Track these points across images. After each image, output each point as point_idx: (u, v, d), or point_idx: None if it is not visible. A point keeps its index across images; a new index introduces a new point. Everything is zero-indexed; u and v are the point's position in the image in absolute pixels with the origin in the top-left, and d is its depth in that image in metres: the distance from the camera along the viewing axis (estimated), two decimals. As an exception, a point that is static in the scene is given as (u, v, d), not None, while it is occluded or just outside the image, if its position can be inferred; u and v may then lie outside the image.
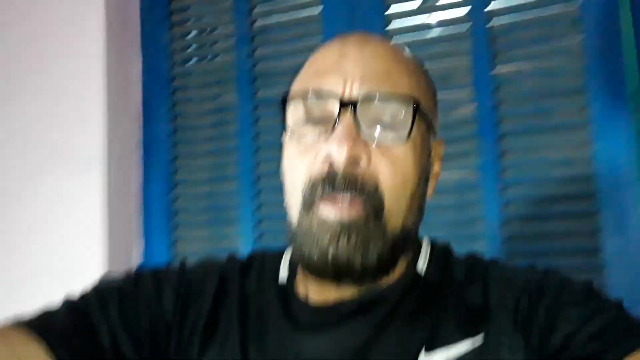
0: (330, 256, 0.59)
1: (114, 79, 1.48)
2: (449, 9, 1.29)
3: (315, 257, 0.60)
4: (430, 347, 0.61)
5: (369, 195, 0.60)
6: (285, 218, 1.37)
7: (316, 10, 1.41)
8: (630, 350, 0.52)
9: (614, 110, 1.12)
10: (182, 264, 0.75)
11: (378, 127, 0.62)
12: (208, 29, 1.56)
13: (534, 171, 1.19)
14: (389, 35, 1.32)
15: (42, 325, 0.62)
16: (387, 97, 0.62)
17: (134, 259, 1.49)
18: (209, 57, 1.55)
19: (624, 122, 1.12)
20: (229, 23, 1.50)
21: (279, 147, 1.37)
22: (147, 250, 1.49)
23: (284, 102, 0.66)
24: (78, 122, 1.44)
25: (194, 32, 1.57)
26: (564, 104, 1.18)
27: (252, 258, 0.77)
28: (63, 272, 1.37)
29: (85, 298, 0.68)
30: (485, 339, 0.61)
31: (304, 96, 0.64)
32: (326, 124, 0.62)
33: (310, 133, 0.64)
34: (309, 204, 0.61)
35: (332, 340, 0.63)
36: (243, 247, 1.39)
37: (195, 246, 1.47)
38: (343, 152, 0.59)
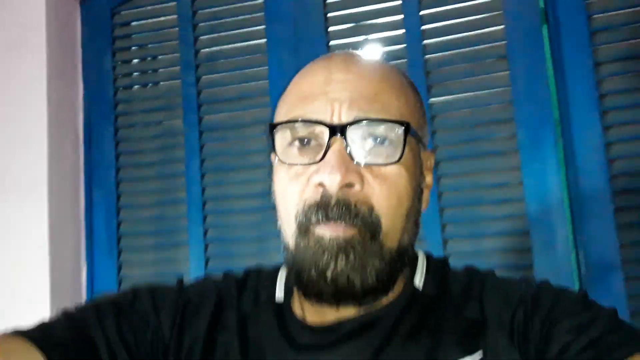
0: (329, 276, 0.59)
1: (55, 103, 1.47)
2: (387, 46, 1.37)
3: (315, 278, 0.59)
4: None
5: (363, 219, 0.59)
6: (231, 241, 1.40)
7: (261, 40, 1.46)
8: (626, 357, 0.52)
9: (540, 138, 1.22)
10: (180, 282, 0.73)
11: (369, 150, 0.61)
12: (152, 56, 1.58)
13: (469, 194, 1.27)
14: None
15: (41, 336, 0.60)
16: (376, 121, 0.61)
17: (79, 284, 1.46)
18: (154, 83, 1.57)
19: (549, 148, 1.22)
20: (175, 51, 1.52)
21: (225, 171, 1.41)
22: (93, 275, 1.47)
23: (272, 128, 0.64)
24: (20, 147, 1.42)
25: (138, 59, 1.58)
26: (494, 132, 1.28)
27: (247, 275, 0.75)
28: (7, 299, 1.33)
29: (82, 311, 0.66)
30: (484, 355, 0.60)
31: (291, 123, 0.63)
32: (316, 149, 0.61)
33: (301, 158, 0.62)
34: (304, 229, 0.60)
35: None
36: (191, 270, 1.40)
37: (142, 270, 1.47)
38: (336, 180, 0.58)
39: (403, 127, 0.61)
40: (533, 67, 1.25)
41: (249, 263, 1.34)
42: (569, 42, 1.24)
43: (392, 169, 0.61)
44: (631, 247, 1.15)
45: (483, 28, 1.31)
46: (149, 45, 1.57)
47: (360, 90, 0.62)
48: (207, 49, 1.51)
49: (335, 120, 0.61)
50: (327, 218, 0.59)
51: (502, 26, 1.29)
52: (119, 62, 1.57)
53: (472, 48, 1.31)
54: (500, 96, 1.28)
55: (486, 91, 1.30)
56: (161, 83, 1.55)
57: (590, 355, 0.55)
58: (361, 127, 0.61)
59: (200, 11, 1.52)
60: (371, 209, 0.60)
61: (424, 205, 0.69)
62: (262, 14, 1.46)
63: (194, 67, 1.49)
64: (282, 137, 0.64)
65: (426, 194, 0.70)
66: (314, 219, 0.59)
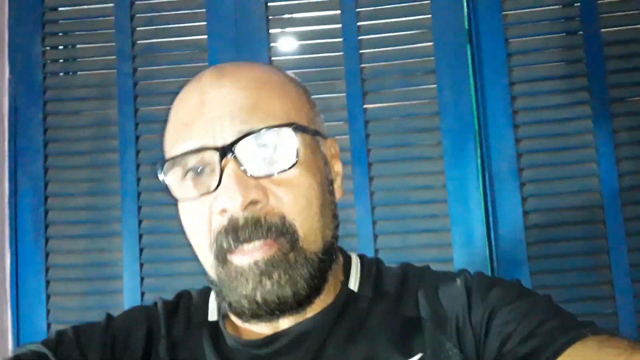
0: (260, 300, 0.58)
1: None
2: (326, 52, 1.45)
3: (245, 305, 0.58)
4: None
5: (277, 230, 0.58)
6: (167, 231, 1.41)
7: (202, 36, 1.48)
8: (567, 345, 0.54)
9: (462, 146, 1.36)
10: (108, 319, 0.69)
11: (263, 160, 0.59)
12: (86, 44, 1.55)
13: (398, 194, 1.38)
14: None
15: None
16: (261, 131, 0.58)
17: (3, 271, 1.42)
18: (87, 71, 1.54)
19: (470, 156, 1.36)
20: (110, 40, 1.51)
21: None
22: (18, 262, 1.43)
23: (161, 167, 0.61)
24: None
25: (70, 45, 1.55)
26: (422, 140, 1.40)
27: (178, 299, 0.73)
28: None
29: None
30: (423, 357, 0.60)
31: (178, 158, 0.60)
32: (211, 175, 0.59)
33: (198, 189, 0.60)
34: (221, 258, 0.59)
35: None
36: (125, 259, 1.40)
37: (70, 258, 1.44)
38: (237, 202, 0.56)
39: (291, 129, 0.59)
40: (457, 82, 1.39)
41: (184, 254, 1.39)
42: (488, 62, 1.39)
43: (292, 173, 0.60)
44: (536, 245, 1.32)
45: (414, 43, 1.42)
46: (83, 33, 1.54)
47: (238, 103, 0.60)
48: (145, 41, 1.51)
49: (219, 142, 0.58)
50: (239, 241, 0.57)
51: (431, 43, 1.41)
52: (49, 48, 1.52)
53: (404, 61, 1.42)
54: (428, 107, 1.40)
55: (416, 102, 1.41)
56: (95, 71, 1.53)
57: (531, 346, 0.55)
58: (248, 140, 0.58)
59: (138, 2, 1.51)
60: (282, 217, 0.59)
61: (338, 195, 0.68)
62: (204, 10, 1.48)
63: (131, 58, 1.49)
64: (174, 174, 0.61)
65: (338, 182, 0.69)
66: (225, 245, 0.58)
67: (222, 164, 0.57)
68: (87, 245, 1.44)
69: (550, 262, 1.32)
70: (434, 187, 1.37)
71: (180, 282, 1.39)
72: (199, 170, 0.60)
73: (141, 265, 1.42)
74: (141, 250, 1.42)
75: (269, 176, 0.59)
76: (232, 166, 0.57)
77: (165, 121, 1.44)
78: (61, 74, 1.56)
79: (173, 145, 0.62)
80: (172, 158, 0.61)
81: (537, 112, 1.37)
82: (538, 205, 1.34)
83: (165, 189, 0.62)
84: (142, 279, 1.41)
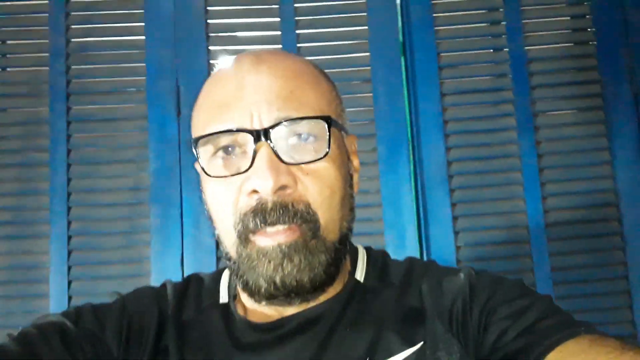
0: (278, 282, 0.59)
1: None
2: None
3: (264, 285, 0.60)
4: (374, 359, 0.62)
5: (302, 217, 0.60)
6: (97, 234, 1.37)
7: (139, 37, 1.47)
8: (560, 342, 0.55)
9: (396, 153, 1.41)
10: (121, 301, 0.70)
11: (295, 148, 0.61)
12: (18, 39, 1.50)
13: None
14: (212, 69, 1.45)
15: None
16: (297, 120, 0.61)
17: None
18: (18, 67, 1.49)
19: (403, 162, 1.40)
20: (44, 37, 1.47)
21: (94, 164, 1.39)
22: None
23: (196, 141, 0.63)
24: None
25: (0, 41, 1.50)
26: (358, 145, 1.40)
27: (188, 281, 0.75)
28: None
29: (26, 334, 0.61)
30: (424, 346, 0.62)
31: (213, 136, 0.62)
32: (242, 156, 0.61)
33: (228, 169, 0.62)
34: (244, 238, 0.61)
35: None
36: (52, 261, 1.36)
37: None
38: (269, 185, 0.58)
39: (325, 122, 0.62)
40: (392, 91, 1.44)
41: (113, 257, 1.36)
42: (421, 74, 1.45)
43: (321, 164, 0.62)
44: (465, 248, 1.37)
45: (351, 53, 1.47)
46: (15, 29, 1.49)
47: (275, 91, 0.62)
48: (79, 39, 1.48)
49: (257, 125, 0.60)
50: (266, 223, 0.59)
51: (367, 53, 1.46)
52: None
53: (341, 69, 1.46)
54: (364, 114, 1.44)
55: (352, 109, 1.45)
56: (27, 68, 1.48)
57: (525, 342, 0.57)
58: (284, 127, 0.61)
59: (73, 0, 1.49)
60: (307, 205, 0.61)
61: (355, 189, 0.71)
62: (142, 11, 1.47)
63: (64, 56, 1.46)
64: (206, 150, 0.63)
65: (355, 178, 0.72)
66: (252, 225, 0.59)
67: (257, 147, 0.59)
68: (12, 247, 1.38)
69: (478, 265, 1.36)
70: (369, 191, 1.40)
71: (110, 285, 1.36)
72: (229, 150, 0.62)
73: (69, 268, 1.37)
74: (69, 253, 1.37)
75: (299, 164, 0.61)
76: (266, 150, 0.59)
77: (99, 120, 1.42)
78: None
79: (207, 124, 0.63)
80: (207, 135, 0.62)
81: (466, 123, 1.44)
82: (467, 211, 1.39)
83: (196, 157, 0.64)
84: (69, 282, 1.36)
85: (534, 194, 1.38)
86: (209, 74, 1.41)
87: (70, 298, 1.36)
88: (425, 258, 1.37)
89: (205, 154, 0.64)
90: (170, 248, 1.38)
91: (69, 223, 1.38)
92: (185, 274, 1.36)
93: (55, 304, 1.35)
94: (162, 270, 1.37)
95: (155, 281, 1.36)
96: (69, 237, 1.38)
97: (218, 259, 1.38)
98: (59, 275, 1.36)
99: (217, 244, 1.33)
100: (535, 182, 1.39)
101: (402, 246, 1.36)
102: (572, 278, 1.37)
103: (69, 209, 1.39)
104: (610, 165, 1.41)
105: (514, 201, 1.40)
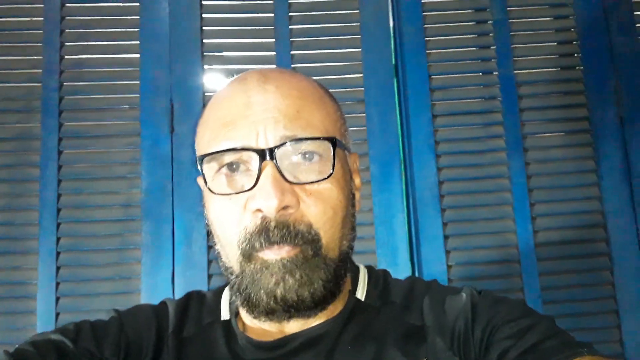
0: (279, 295, 0.59)
1: None
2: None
3: (264, 298, 0.60)
4: None
5: (303, 237, 0.60)
6: (87, 250, 1.36)
7: (134, 55, 1.48)
8: None
9: (388, 172, 1.42)
10: (119, 318, 0.70)
11: (300, 168, 0.61)
12: (11, 55, 1.50)
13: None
14: (206, 87, 1.46)
15: None
16: (303, 140, 0.61)
17: None
18: (10, 83, 1.49)
19: (395, 181, 1.42)
20: (37, 54, 1.47)
21: (85, 180, 1.38)
22: None
23: (202, 158, 0.64)
24: None
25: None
26: (350, 164, 1.45)
27: (189, 298, 0.75)
28: None
29: (23, 352, 0.60)
30: None
31: (219, 154, 0.62)
32: (246, 174, 0.62)
33: (232, 186, 0.62)
34: (248, 255, 0.61)
35: None
36: (39, 277, 1.34)
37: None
38: (273, 204, 0.58)
39: (330, 142, 0.62)
40: (384, 112, 1.46)
41: (102, 273, 1.35)
42: (413, 96, 1.47)
43: (325, 185, 0.62)
44: (456, 267, 1.38)
45: (345, 74, 1.49)
46: (9, 45, 1.50)
47: (282, 110, 0.62)
48: (73, 56, 1.48)
49: (262, 144, 0.60)
50: (270, 242, 0.59)
51: (361, 75, 1.48)
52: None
53: (335, 90, 1.46)
54: (357, 134, 1.45)
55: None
56: (19, 84, 1.48)
57: None
58: (289, 147, 0.61)
59: (68, 17, 1.49)
60: (309, 226, 0.60)
61: (357, 207, 0.71)
62: (137, 30, 1.49)
63: (58, 72, 1.46)
64: (211, 167, 0.63)
65: (357, 196, 0.72)
66: (257, 245, 0.59)
67: (262, 166, 0.59)
68: (4, 263, 1.36)
69: (468, 283, 1.37)
70: (361, 210, 1.40)
71: (98, 303, 1.35)
72: (233, 166, 0.62)
73: (57, 284, 1.35)
74: (58, 269, 1.36)
75: (303, 184, 0.61)
76: (271, 169, 0.59)
77: (91, 137, 1.42)
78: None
79: (213, 141, 0.63)
80: (213, 153, 0.62)
81: (457, 143, 1.46)
82: (458, 230, 1.41)
83: (201, 175, 0.65)
84: (57, 299, 1.35)
85: (524, 214, 1.40)
86: (203, 93, 1.46)
87: (57, 315, 1.34)
88: (416, 276, 1.37)
89: (209, 171, 0.64)
90: (161, 265, 1.37)
91: (58, 239, 1.37)
92: (176, 291, 1.36)
93: (42, 321, 1.33)
94: (153, 287, 1.36)
95: (145, 299, 1.34)
96: (58, 253, 1.36)
97: (209, 276, 1.37)
98: (47, 292, 1.35)
99: (209, 261, 1.35)
100: (525, 202, 1.41)
101: (394, 264, 1.36)
102: (561, 297, 1.39)
103: (58, 225, 1.38)
104: (598, 186, 1.43)
105: (504, 221, 1.42)
